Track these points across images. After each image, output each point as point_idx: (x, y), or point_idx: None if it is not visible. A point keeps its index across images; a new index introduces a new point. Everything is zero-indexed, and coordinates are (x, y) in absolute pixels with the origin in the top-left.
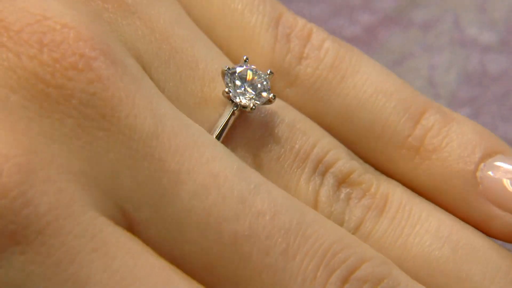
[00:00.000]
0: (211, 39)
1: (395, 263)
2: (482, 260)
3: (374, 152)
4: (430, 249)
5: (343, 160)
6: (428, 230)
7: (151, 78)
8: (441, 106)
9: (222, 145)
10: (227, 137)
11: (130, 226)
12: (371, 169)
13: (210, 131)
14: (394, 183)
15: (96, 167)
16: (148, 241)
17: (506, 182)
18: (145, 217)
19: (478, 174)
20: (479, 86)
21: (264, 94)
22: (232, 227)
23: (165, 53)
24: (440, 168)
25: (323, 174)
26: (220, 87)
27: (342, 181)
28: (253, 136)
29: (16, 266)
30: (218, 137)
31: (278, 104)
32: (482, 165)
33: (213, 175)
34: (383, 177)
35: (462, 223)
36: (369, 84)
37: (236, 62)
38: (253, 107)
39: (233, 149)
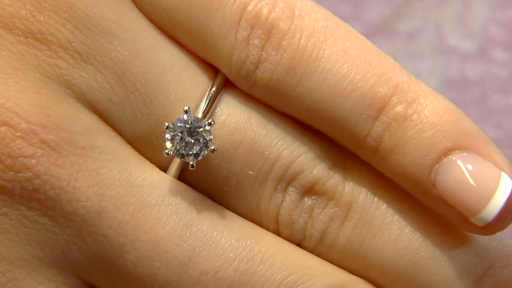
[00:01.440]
0: (177, 43)
1: (358, 272)
2: (442, 266)
3: (342, 144)
4: (389, 261)
5: (306, 172)
6: (387, 241)
7: (108, 123)
8: (406, 91)
9: (171, 194)
10: (183, 172)
11: (90, 285)
12: (342, 160)
13: (167, 166)
14: (361, 182)
15: (46, 248)
16: None
17: (458, 183)
18: (99, 280)
19: (432, 176)
20: (458, 90)
21: (205, 149)
22: None
23: (119, 97)
24: (398, 169)
25: (285, 190)
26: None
27: (306, 192)
28: (209, 168)
29: None
30: (173, 176)
31: (236, 124)
32: (436, 166)
33: (156, 242)
34: (352, 173)
35: (423, 225)
36: (326, 85)
37: (206, 69)
38: (193, 165)
39: (194, 176)
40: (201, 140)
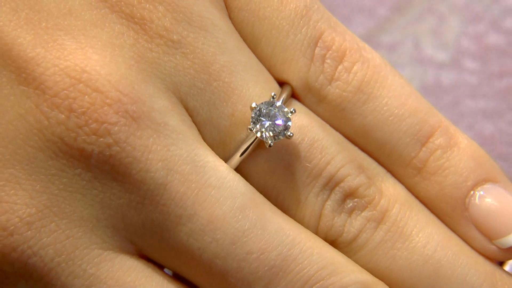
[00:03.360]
0: (255, 54)
1: (384, 272)
2: (460, 277)
3: (384, 165)
4: (415, 264)
5: (352, 176)
6: (416, 246)
7: (187, 106)
8: (448, 127)
9: (231, 178)
10: (249, 155)
11: (140, 251)
12: (380, 175)
13: (236, 149)
14: (397, 194)
15: (108, 210)
16: (154, 261)
17: (488, 210)
18: (150, 246)
19: (467, 200)
20: (434, 96)
21: (283, 134)
22: (222, 264)
23: (202, 82)
24: (436, 189)
25: (332, 189)
26: (250, 111)
27: (349, 195)
28: (273, 155)
29: None
30: (240, 156)
31: (302, 122)
32: (471, 192)
33: (211, 219)
34: (389, 185)
35: (448, 239)
36: (387, 108)
37: (276, 77)
38: (271, 144)
39: (253, 166)
40: (282, 124)
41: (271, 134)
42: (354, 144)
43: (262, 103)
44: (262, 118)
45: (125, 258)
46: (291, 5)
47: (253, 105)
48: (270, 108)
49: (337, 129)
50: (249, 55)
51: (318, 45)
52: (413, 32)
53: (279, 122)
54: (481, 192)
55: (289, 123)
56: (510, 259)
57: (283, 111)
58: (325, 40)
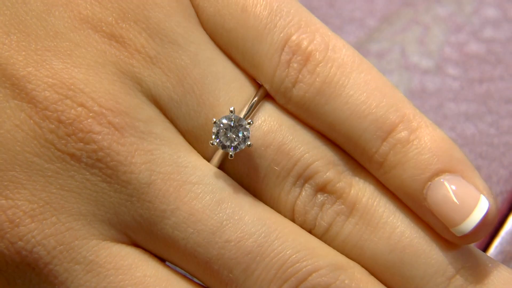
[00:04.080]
0: (231, 59)
1: (355, 261)
2: (423, 263)
3: (355, 158)
4: (381, 254)
5: (321, 173)
6: (382, 237)
7: (166, 116)
8: (411, 121)
9: (212, 176)
10: (223, 162)
11: (135, 243)
12: (350, 170)
13: (210, 158)
14: (365, 187)
15: (102, 207)
16: (149, 252)
17: (445, 199)
18: (142, 238)
19: (425, 191)
20: (420, 99)
21: (243, 144)
22: (204, 252)
23: (178, 95)
24: (397, 182)
25: (302, 186)
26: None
27: (319, 190)
28: (245, 161)
29: (33, 283)
30: (216, 164)
31: (270, 127)
32: (429, 183)
33: (192, 212)
34: (358, 180)
35: (412, 228)
36: (348, 107)
37: (251, 83)
38: (232, 155)
39: (231, 169)
40: (241, 136)
41: (232, 146)
42: (330, 137)
43: (222, 117)
44: (223, 131)
45: (122, 246)
46: (255, 14)
47: (213, 120)
48: (230, 122)
49: (310, 126)
50: (222, 63)
51: (284, 50)
52: (400, 41)
53: (239, 134)
54: (438, 183)
55: (247, 134)
56: (467, 244)
57: (241, 124)
58: (291, 45)
